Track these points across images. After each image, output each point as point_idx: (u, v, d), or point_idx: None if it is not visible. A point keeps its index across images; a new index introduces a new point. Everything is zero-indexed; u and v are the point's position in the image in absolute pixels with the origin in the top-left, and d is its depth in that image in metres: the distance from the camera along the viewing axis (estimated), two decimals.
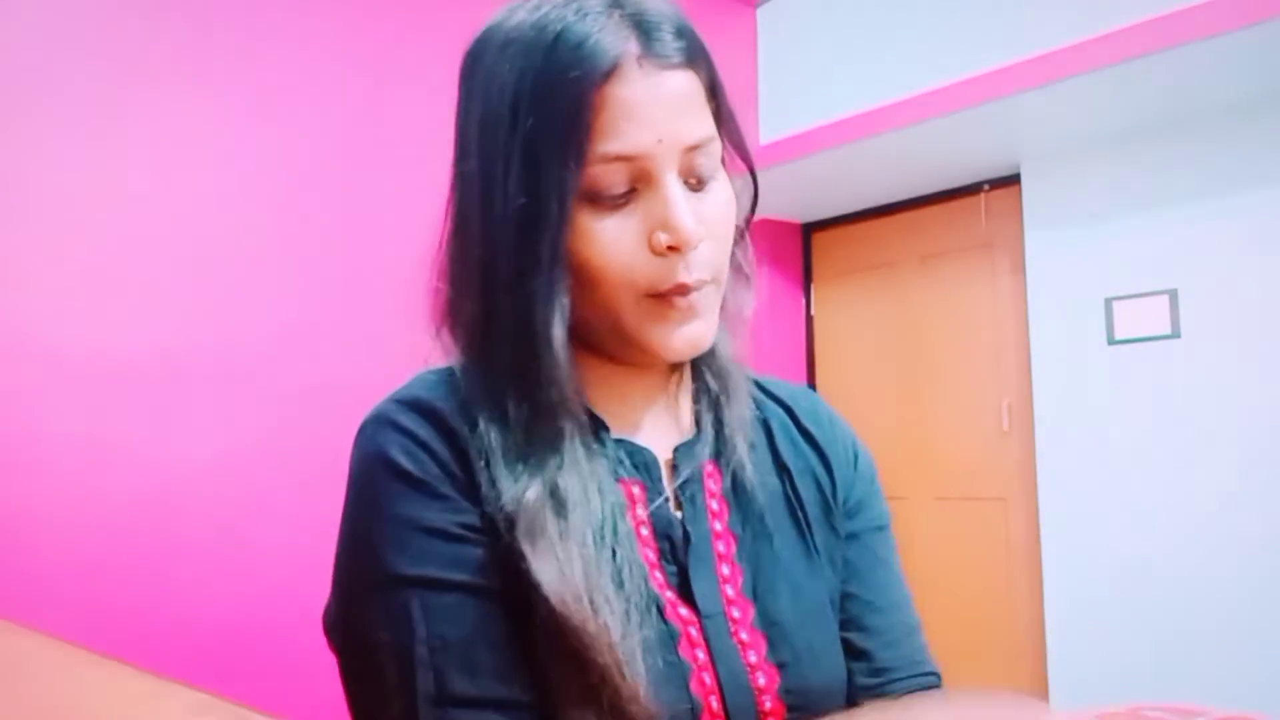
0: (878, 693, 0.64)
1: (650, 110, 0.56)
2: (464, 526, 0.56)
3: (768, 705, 0.59)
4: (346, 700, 0.59)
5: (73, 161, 2.01)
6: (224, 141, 2.21)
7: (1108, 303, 2.88)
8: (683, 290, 0.58)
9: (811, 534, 0.68)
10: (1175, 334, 2.73)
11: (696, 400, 0.69)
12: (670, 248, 0.57)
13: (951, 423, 3.36)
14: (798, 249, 3.89)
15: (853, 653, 0.65)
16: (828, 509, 0.70)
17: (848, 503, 0.71)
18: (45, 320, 1.95)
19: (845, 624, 0.66)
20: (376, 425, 0.59)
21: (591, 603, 0.54)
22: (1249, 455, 2.57)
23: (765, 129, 3.27)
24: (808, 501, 0.69)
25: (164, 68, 2.13)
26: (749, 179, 0.67)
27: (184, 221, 2.14)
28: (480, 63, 0.61)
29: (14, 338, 1.90)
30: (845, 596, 0.67)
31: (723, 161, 0.63)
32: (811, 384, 3.79)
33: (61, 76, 2.00)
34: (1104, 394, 2.86)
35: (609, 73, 0.55)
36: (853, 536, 0.70)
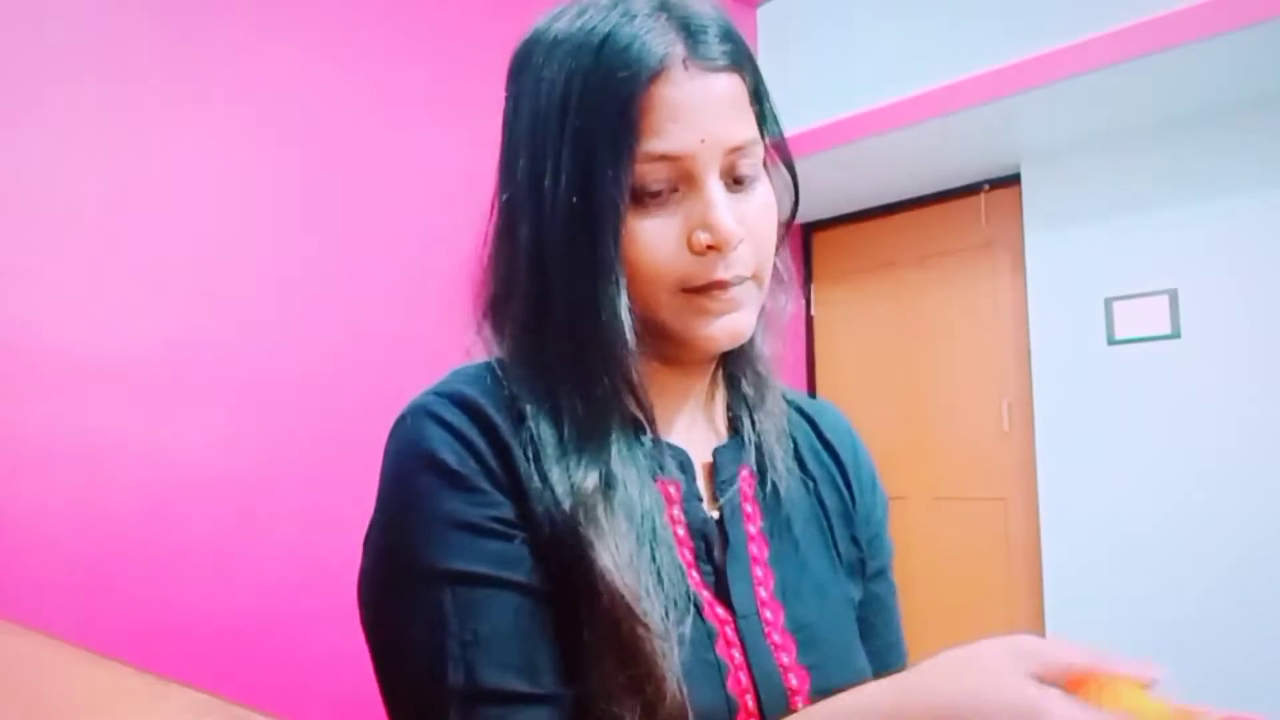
0: None
1: (695, 112, 0.58)
2: (500, 521, 0.56)
3: (800, 706, 0.60)
4: (379, 689, 0.59)
5: (73, 160, 2.01)
6: (226, 140, 2.21)
7: (1108, 303, 2.88)
8: (721, 286, 0.59)
9: (835, 540, 0.70)
10: (1175, 334, 2.73)
11: (732, 406, 0.70)
12: (710, 247, 0.58)
13: (951, 423, 3.36)
14: (798, 249, 3.89)
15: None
16: (848, 518, 0.72)
17: (868, 528, 0.73)
18: (45, 320, 1.95)
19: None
20: (416, 417, 0.59)
21: (639, 595, 0.55)
22: (1249, 455, 2.57)
23: None
24: (831, 510, 0.71)
25: (166, 67, 2.13)
26: (790, 183, 0.68)
27: (185, 221, 2.14)
28: (528, 64, 0.62)
29: (14, 337, 1.90)
30: (865, 628, 0.70)
31: (765, 164, 0.64)
32: (811, 384, 3.79)
33: (62, 76, 2.00)
34: (1104, 394, 2.86)
35: (656, 74, 0.57)
36: (879, 574, 0.73)
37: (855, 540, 0.71)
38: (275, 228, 2.27)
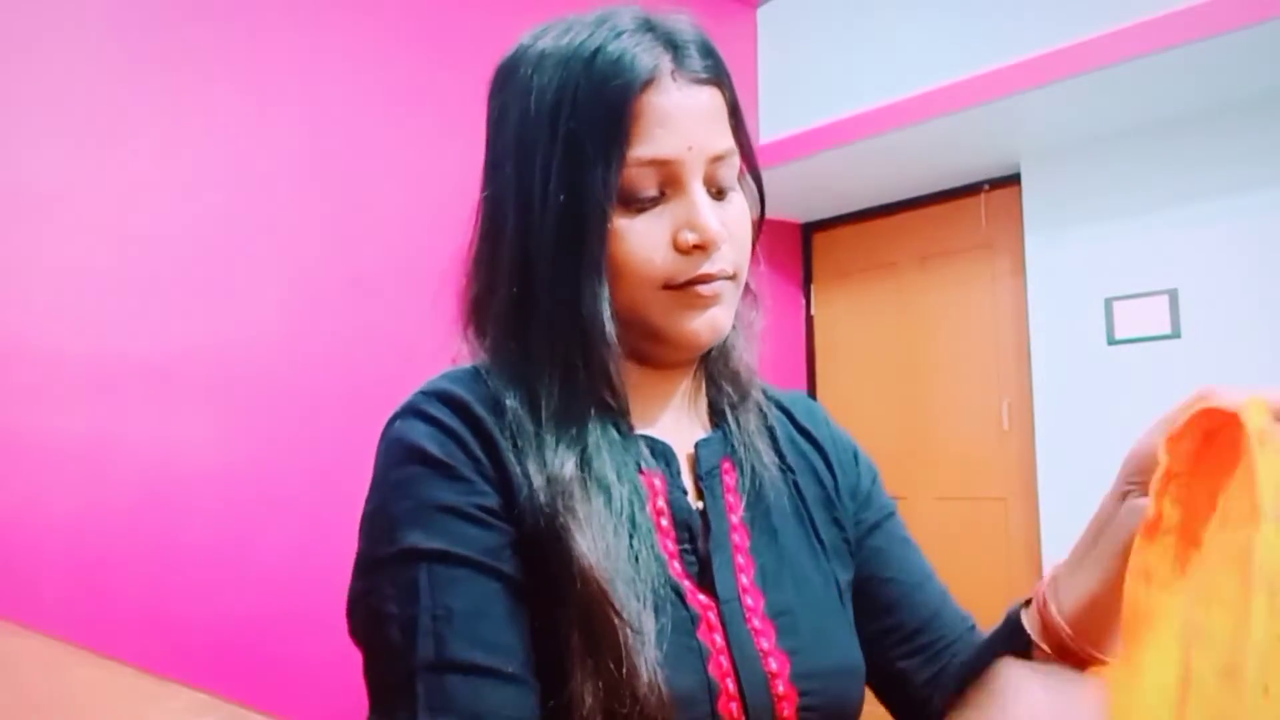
0: (940, 660, 0.72)
1: (682, 120, 0.62)
2: (482, 509, 0.58)
3: (780, 689, 0.62)
4: (364, 675, 0.60)
5: (74, 162, 2.01)
6: (227, 141, 2.21)
7: (1108, 303, 2.88)
8: (705, 279, 0.62)
9: (815, 528, 0.72)
10: (1175, 334, 2.73)
11: (713, 403, 0.73)
12: (696, 246, 0.62)
13: (951, 423, 3.36)
14: (798, 249, 3.89)
15: (906, 632, 0.72)
16: (830, 504, 0.74)
17: (856, 497, 0.76)
18: (46, 320, 1.95)
19: (891, 608, 0.73)
20: (404, 416, 0.62)
21: (613, 582, 0.57)
22: None
23: (765, 129, 3.27)
24: (810, 499, 0.73)
25: (168, 69, 2.13)
26: (756, 196, 0.71)
27: (186, 222, 2.14)
28: (515, 76, 0.65)
29: (15, 338, 1.90)
30: (884, 582, 0.74)
31: (750, 185, 0.69)
32: (811, 384, 3.79)
33: (62, 78, 2.00)
34: (1104, 394, 2.86)
35: (647, 83, 0.61)
36: (874, 526, 0.75)
37: (838, 522, 0.74)
38: (276, 229, 2.27)
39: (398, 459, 0.60)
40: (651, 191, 0.62)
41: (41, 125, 1.97)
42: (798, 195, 3.53)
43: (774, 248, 3.75)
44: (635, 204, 0.62)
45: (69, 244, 1.99)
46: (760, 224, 0.73)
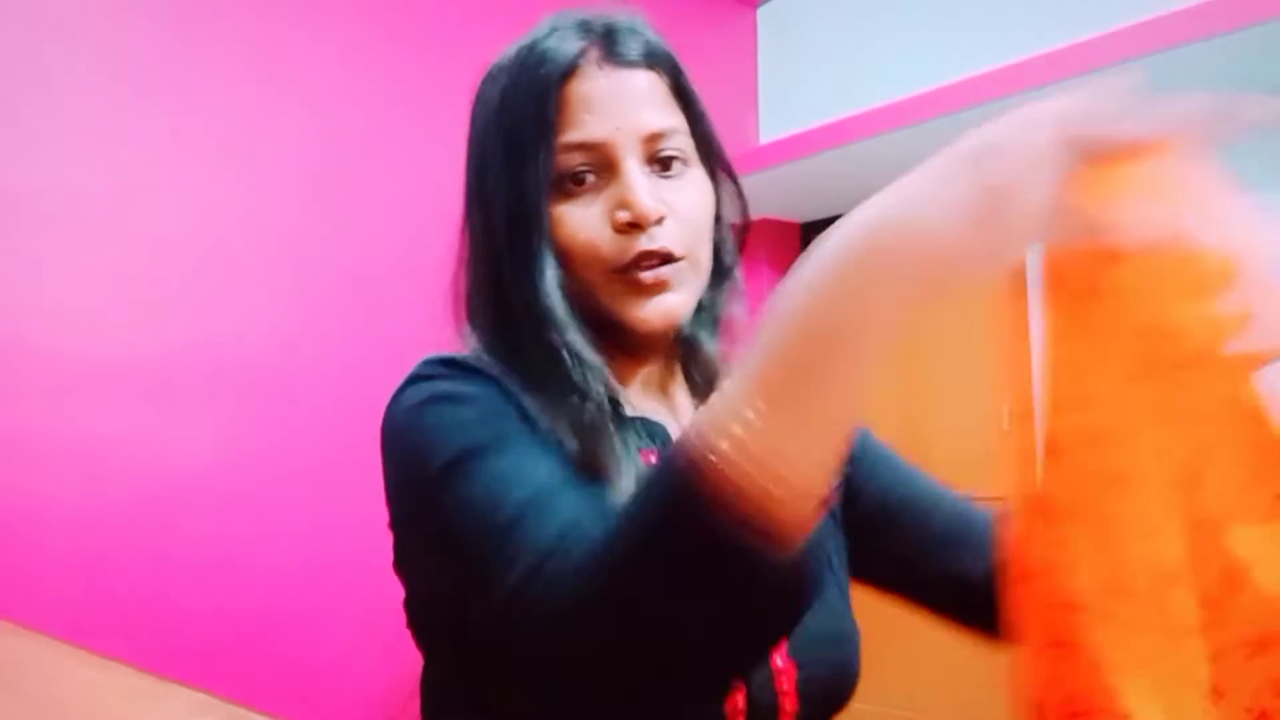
0: (985, 550, 0.70)
1: (609, 103, 0.63)
2: (517, 410, 0.58)
3: (779, 663, 0.62)
4: (418, 633, 0.60)
5: (75, 163, 2.01)
6: (229, 142, 2.21)
7: None
8: (647, 258, 0.63)
9: None
10: None
11: (693, 395, 0.74)
12: (630, 224, 0.62)
13: (951, 423, 3.36)
14: (797, 249, 3.89)
15: (948, 536, 0.72)
16: None
17: (854, 464, 0.76)
18: (46, 321, 1.95)
19: (921, 518, 0.73)
20: (409, 383, 0.61)
21: None
22: None
23: (765, 129, 3.27)
24: None
25: (169, 70, 2.13)
26: (743, 188, 0.72)
27: (188, 223, 2.14)
28: (480, 91, 0.69)
29: (16, 338, 1.90)
30: (900, 500, 0.74)
31: (711, 164, 0.69)
32: None
33: (63, 78, 2.00)
34: None
35: (569, 72, 0.63)
36: (876, 462, 0.76)
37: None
38: (278, 229, 2.27)
39: (414, 410, 0.58)
40: (587, 176, 0.63)
41: (42, 126, 1.97)
42: (798, 195, 3.53)
43: (774, 248, 3.75)
44: (572, 190, 0.63)
45: (70, 244, 1.98)
46: (746, 215, 0.73)
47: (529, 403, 0.60)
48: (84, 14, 2.03)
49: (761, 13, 3.44)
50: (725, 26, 3.33)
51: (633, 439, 0.64)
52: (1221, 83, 2.48)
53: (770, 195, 3.33)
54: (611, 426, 0.62)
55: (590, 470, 0.58)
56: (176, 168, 2.13)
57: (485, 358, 0.64)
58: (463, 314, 0.70)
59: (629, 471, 0.60)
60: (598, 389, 0.62)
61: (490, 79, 0.68)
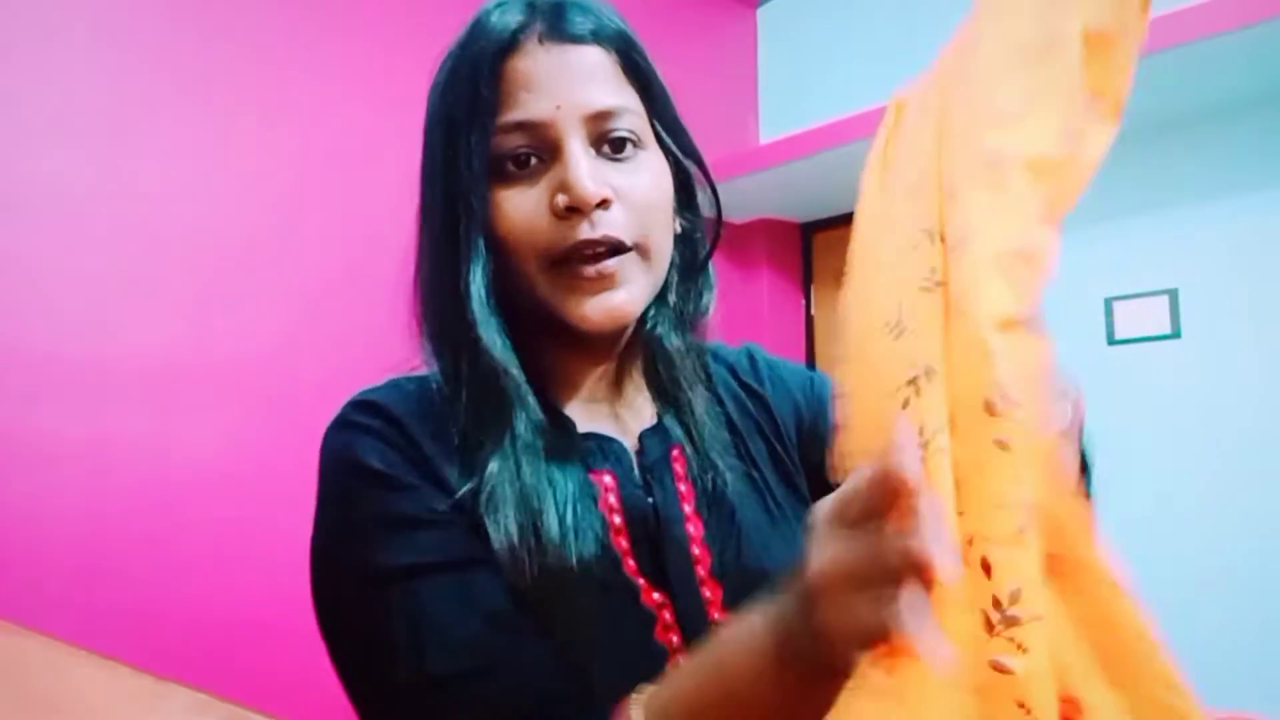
0: None
1: (550, 81, 0.58)
2: (431, 511, 0.57)
3: (710, 597, 0.61)
4: (345, 691, 0.59)
5: (74, 163, 2.01)
6: (230, 142, 2.20)
7: (1108, 303, 2.88)
8: (589, 247, 0.58)
9: (771, 494, 0.69)
10: (1175, 334, 2.73)
11: (655, 390, 0.69)
12: (569, 208, 0.57)
13: None
14: (797, 249, 3.88)
15: None
16: (776, 456, 0.71)
17: (819, 423, 0.72)
18: (47, 321, 1.95)
19: None
20: (337, 429, 0.62)
21: (558, 587, 0.55)
22: (1249, 455, 2.57)
23: (765, 129, 3.27)
24: (760, 460, 0.70)
25: (170, 70, 2.13)
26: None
27: (188, 224, 2.13)
28: (435, 73, 0.67)
29: (17, 338, 1.90)
30: None
31: (672, 149, 0.64)
32: None
33: (63, 78, 2.00)
34: (1104, 394, 2.86)
35: (507, 48, 0.59)
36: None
37: (792, 464, 0.70)
38: (278, 229, 2.27)
39: (340, 475, 0.60)
40: (528, 159, 0.59)
41: (42, 126, 1.97)
42: (798, 195, 3.52)
43: (774, 248, 3.75)
44: (512, 174, 0.59)
45: (70, 244, 1.98)
46: (716, 206, 0.68)
47: (432, 450, 0.58)
48: (84, 14, 2.03)
49: (761, 13, 3.44)
50: (725, 26, 3.33)
51: (580, 457, 0.61)
52: (1223, 82, 2.48)
53: (770, 195, 3.32)
54: (540, 457, 0.58)
55: (516, 499, 0.56)
56: (177, 168, 2.13)
57: (424, 375, 0.62)
58: (416, 317, 0.66)
59: (562, 500, 0.57)
60: (532, 406, 0.59)
61: (443, 60, 0.65)
